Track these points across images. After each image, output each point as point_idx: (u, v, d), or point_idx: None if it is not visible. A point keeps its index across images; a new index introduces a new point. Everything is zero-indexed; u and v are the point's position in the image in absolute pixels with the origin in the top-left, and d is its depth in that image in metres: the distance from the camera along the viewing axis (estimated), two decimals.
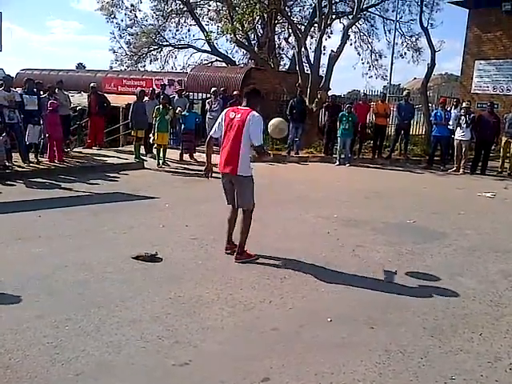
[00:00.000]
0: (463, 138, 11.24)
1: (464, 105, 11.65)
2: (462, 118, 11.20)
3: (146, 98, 11.30)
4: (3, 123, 8.89)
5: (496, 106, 14.37)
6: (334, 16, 17.83)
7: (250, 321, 3.53)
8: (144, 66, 24.68)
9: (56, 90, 11.18)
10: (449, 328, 3.52)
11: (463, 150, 11.28)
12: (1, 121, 8.83)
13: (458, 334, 3.44)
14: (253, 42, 21.89)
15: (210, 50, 22.87)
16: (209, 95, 13.33)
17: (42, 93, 10.14)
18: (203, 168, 4.90)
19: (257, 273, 4.45)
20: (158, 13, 23.19)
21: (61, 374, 2.78)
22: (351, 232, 6.01)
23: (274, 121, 4.89)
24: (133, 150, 11.02)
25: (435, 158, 12.16)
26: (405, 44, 21.66)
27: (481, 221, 6.84)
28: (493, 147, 11.66)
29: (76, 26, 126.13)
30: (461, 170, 11.32)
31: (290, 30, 18.27)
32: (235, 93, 12.76)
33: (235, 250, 4.83)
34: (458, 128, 11.29)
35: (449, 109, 12.33)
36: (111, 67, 24.79)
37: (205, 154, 4.80)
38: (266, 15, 18.63)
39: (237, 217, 4.95)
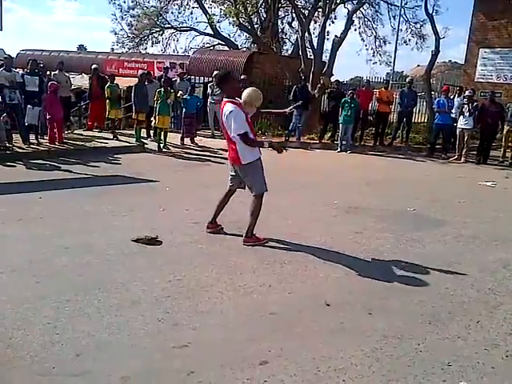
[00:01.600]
0: (466, 127, 11.19)
1: (467, 93, 11.57)
2: (465, 106, 11.13)
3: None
4: (4, 103, 8.85)
5: (499, 94, 14.30)
6: (338, 1, 17.57)
7: (249, 305, 3.55)
8: (145, 48, 24.42)
9: (57, 72, 11.14)
10: (446, 315, 3.54)
11: (465, 138, 11.24)
12: (1, 101, 8.80)
13: (456, 321, 3.46)
14: (256, 26, 21.60)
15: (212, 33, 22.61)
16: (211, 79, 13.24)
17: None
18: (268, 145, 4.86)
19: (256, 257, 4.46)
20: None
21: (61, 355, 2.80)
22: (351, 219, 6.01)
23: (246, 92, 4.74)
24: (133, 132, 11.00)
25: (437, 147, 12.12)
26: (409, 30, 21.42)
27: (481, 209, 6.84)
28: (498, 135, 11.57)
29: (77, 6, 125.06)
30: (462, 159, 11.29)
31: (294, 15, 18.06)
32: (242, 77, 12.65)
33: (215, 230, 5.06)
34: (461, 116, 11.23)
35: (452, 97, 12.26)
36: (112, 49, 24.56)
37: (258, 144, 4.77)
38: None
39: (227, 202, 5.05)
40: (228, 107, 4.54)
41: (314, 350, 2.98)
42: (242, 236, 4.91)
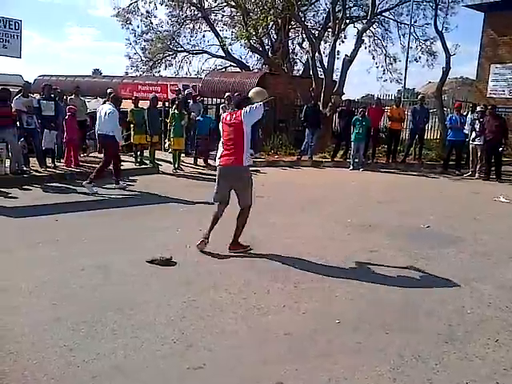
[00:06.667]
0: (478, 143, 11.12)
1: (478, 109, 11.53)
2: (477, 122, 11.08)
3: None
4: (21, 129, 9.06)
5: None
6: (347, 21, 17.82)
7: (263, 325, 3.54)
8: (159, 71, 24.92)
9: (73, 96, 11.38)
10: (464, 334, 3.49)
11: (478, 154, 11.17)
12: (19, 126, 9.01)
13: (473, 340, 3.41)
14: (267, 47, 21.95)
15: (224, 55, 22.99)
16: (223, 100, 13.41)
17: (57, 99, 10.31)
18: None
19: (270, 277, 4.46)
20: (173, 19, 23.40)
21: (77, 376, 2.82)
22: (365, 237, 5.99)
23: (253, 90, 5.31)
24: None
25: (450, 163, 12.05)
26: (419, 48, 21.59)
27: (496, 226, 6.77)
28: (501, 149, 11.21)
29: (93, 32, 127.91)
30: (476, 175, 11.20)
31: (304, 35, 18.28)
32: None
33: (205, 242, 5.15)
34: (473, 132, 11.17)
35: (465, 113, 12.22)
36: (127, 73, 25.08)
37: None
38: (279, 20, 18.69)
39: (221, 216, 5.22)
40: (246, 107, 4.99)
41: (329, 370, 2.95)
42: (256, 256, 4.97)
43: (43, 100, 9.55)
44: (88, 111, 12.01)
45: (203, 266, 4.72)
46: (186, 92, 13.05)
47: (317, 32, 18.75)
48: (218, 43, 21.55)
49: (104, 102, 12.61)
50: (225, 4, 18.60)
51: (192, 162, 11.60)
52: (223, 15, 22.65)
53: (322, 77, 14.64)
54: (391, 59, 23.13)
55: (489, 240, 5.99)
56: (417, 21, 20.12)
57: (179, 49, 24.35)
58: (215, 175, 5.27)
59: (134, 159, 11.05)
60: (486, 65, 16.43)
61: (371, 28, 19.59)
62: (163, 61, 24.63)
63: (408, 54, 19.66)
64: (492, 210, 7.87)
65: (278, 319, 3.64)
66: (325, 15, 19.93)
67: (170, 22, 23.61)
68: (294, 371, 2.93)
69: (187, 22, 23.22)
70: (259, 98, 5.15)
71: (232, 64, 23.65)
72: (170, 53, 24.31)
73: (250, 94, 5.24)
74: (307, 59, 17.89)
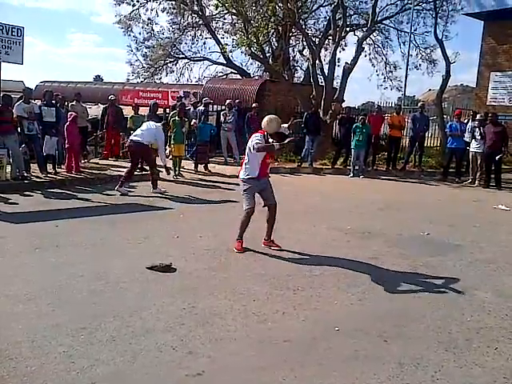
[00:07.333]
0: (478, 150, 11.13)
1: (478, 117, 11.55)
2: (477, 129, 11.10)
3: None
4: (22, 134, 9.09)
5: None
6: (348, 28, 17.92)
7: (262, 332, 3.54)
8: (160, 78, 25.05)
9: (74, 102, 11.43)
10: (463, 342, 3.48)
11: (478, 162, 11.18)
12: (20, 132, 9.04)
13: (473, 348, 3.40)
14: (267, 55, 22.05)
15: (225, 62, 23.12)
16: (223, 107, 13.46)
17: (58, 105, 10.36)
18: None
19: (270, 284, 4.46)
20: (174, 26, 23.61)
21: (75, 383, 2.81)
22: (365, 244, 5.99)
23: (266, 118, 5.42)
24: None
25: (450, 170, 12.06)
26: (419, 56, 21.74)
27: (496, 233, 6.77)
28: (498, 157, 11.08)
29: (95, 38, 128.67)
30: (476, 183, 11.21)
31: (305, 43, 18.39)
32: (254, 105, 12.95)
33: (270, 245, 5.55)
34: (473, 140, 11.19)
35: (465, 121, 12.25)
36: (128, 79, 25.19)
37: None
38: (280, 28, 18.78)
39: (268, 215, 5.51)
40: (255, 134, 5.42)
41: (328, 377, 2.95)
42: (255, 263, 4.98)
43: (44, 106, 9.59)
44: (89, 117, 12.06)
45: (203, 272, 4.72)
46: (204, 101, 13.14)
47: (317, 39, 18.84)
48: (219, 50, 21.71)
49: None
50: (226, 12, 18.67)
51: (192, 169, 11.62)
52: (224, 23, 22.82)
53: (323, 84, 14.70)
54: (391, 67, 23.32)
55: (489, 248, 5.99)
56: (417, 29, 20.38)
57: (180, 56, 24.50)
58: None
59: None
60: (486, 73, 16.50)
61: (371, 36, 19.73)
62: (164, 67, 24.77)
63: (408, 61, 19.83)
64: (492, 218, 7.87)
65: (278, 326, 3.64)
66: (325, 23, 20.07)
67: (171, 29, 23.85)
68: (294, 379, 2.93)
69: (188, 29, 23.40)
70: (270, 128, 5.32)
71: (233, 71, 23.78)
72: (171, 59, 24.45)
73: (263, 124, 5.38)
74: (308, 66, 17.96)
